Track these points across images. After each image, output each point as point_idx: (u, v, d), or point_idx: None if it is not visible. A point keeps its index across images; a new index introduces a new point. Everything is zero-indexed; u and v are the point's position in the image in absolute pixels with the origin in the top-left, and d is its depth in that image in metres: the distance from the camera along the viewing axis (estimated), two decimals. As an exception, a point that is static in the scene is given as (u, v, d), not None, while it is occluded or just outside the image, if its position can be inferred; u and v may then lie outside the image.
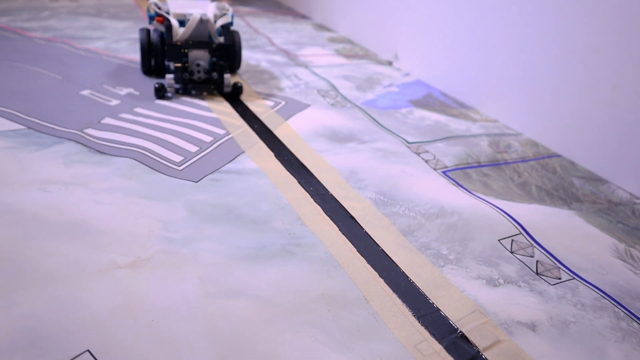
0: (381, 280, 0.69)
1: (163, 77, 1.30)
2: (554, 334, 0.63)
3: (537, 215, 0.86)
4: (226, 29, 1.23)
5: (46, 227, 0.72)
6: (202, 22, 1.18)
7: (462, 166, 1.01)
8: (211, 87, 1.21)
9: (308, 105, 1.24)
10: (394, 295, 0.66)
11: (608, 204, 0.93)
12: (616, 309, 0.68)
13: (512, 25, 1.19)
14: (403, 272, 0.71)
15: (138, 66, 1.39)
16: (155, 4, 1.26)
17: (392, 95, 1.36)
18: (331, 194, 0.88)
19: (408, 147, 1.07)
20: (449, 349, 0.59)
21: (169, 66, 1.28)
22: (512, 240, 0.79)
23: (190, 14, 1.20)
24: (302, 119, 1.16)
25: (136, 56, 1.46)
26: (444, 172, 0.98)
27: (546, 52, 1.11)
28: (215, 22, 1.22)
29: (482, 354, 0.59)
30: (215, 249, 0.72)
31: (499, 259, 0.75)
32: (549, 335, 0.62)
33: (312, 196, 0.86)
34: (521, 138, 1.16)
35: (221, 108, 1.17)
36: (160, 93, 1.17)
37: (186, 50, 1.18)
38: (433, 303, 0.66)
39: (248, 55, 1.58)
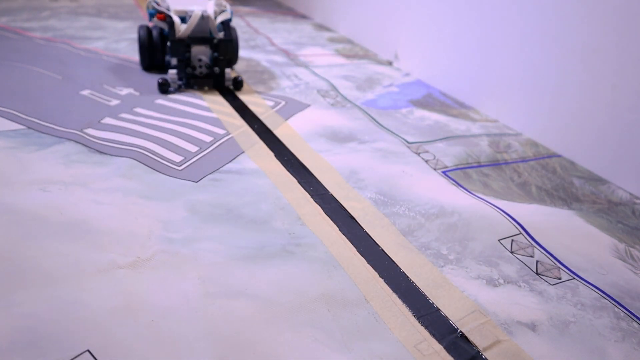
0: (381, 280, 0.69)
1: (163, 73, 1.33)
2: (554, 334, 0.63)
3: (537, 215, 0.86)
4: (226, 25, 1.26)
5: (46, 227, 0.72)
6: (204, 18, 1.21)
7: (462, 166, 1.01)
8: (213, 80, 1.25)
9: (308, 105, 1.24)
10: (394, 295, 0.66)
11: (608, 204, 0.93)
12: (616, 309, 0.68)
13: (512, 25, 1.19)
14: (403, 272, 0.71)
15: (138, 66, 1.39)
16: (155, 1, 1.28)
17: (392, 95, 1.36)
18: (331, 194, 0.88)
19: (408, 147, 1.07)
20: (449, 349, 0.59)
21: (169, 62, 1.31)
22: (512, 240, 0.79)
23: (192, 11, 1.22)
24: (302, 119, 1.16)
25: (136, 56, 1.46)
26: (444, 172, 0.98)
27: (546, 52, 1.11)
28: (215, 18, 1.24)
29: (482, 354, 0.59)
30: (215, 249, 0.72)
31: (499, 259, 0.75)
32: (549, 335, 0.62)
33: (312, 196, 0.86)
34: (521, 138, 1.16)
35: (221, 108, 1.17)
36: (164, 88, 1.21)
37: (189, 46, 1.21)
38: (433, 303, 0.66)
39: (248, 55, 1.58)
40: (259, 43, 1.73)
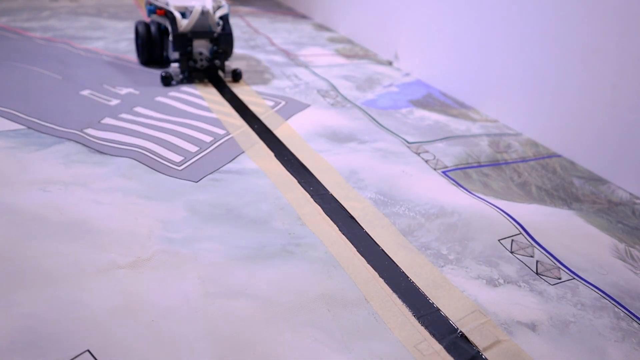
0: (381, 280, 0.69)
1: (161, 67, 1.37)
2: (554, 334, 0.63)
3: (537, 215, 0.86)
4: (225, 20, 1.31)
5: (46, 227, 0.72)
6: (204, 14, 1.26)
7: (462, 166, 1.01)
8: (213, 72, 1.31)
9: (308, 105, 1.24)
10: (394, 295, 0.66)
11: (608, 204, 0.93)
12: (616, 309, 0.68)
13: (512, 25, 1.19)
14: (403, 272, 0.71)
15: (138, 65, 1.39)
16: None
17: (392, 95, 1.36)
18: (331, 194, 0.88)
19: (408, 147, 1.07)
20: (449, 349, 0.59)
21: (168, 56, 1.36)
22: (512, 240, 0.79)
23: (192, 6, 1.27)
24: (302, 119, 1.16)
25: (137, 57, 1.46)
26: (444, 172, 0.98)
27: (546, 52, 1.11)
28: (213, 13, 1.29)
29: (482, 354, 0.59)
30: (215, 249, 0.72)
31: (499, 259, 0.75)
32: (549, 335, 0.62)
33: (312, 196, 0.86)
34: (521, 138, 1.16)
35: (221, 108, 1.17)
36: (167, 81, 1.26)
37: (191, 40, 1.26)
38: (433, 303, 0.66)
39: (248, 55, 1.58)
40: (259, 43, 1.73)
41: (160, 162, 0.92)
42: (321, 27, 2.02)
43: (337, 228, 0.79)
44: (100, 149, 0.94)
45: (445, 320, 0.63)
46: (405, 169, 0.98)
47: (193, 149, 0.98)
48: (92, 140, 0.97)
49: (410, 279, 0.69)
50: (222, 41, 1.29)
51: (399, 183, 0.93)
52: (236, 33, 1.82)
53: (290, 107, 1.22)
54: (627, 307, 0.68)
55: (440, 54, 1.43)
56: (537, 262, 0.75)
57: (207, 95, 1.23)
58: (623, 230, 0.85)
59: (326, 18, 2.05)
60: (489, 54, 1.26)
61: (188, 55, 1.27)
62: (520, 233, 0.81)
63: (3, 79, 1.21)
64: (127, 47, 1.54)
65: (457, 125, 1.20)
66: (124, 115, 1.08)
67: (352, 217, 0.82)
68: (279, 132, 1.08)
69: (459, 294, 0.67)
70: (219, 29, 1.29)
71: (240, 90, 1.28)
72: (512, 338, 0.61)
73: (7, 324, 0.56)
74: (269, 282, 0.66)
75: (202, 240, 0.73)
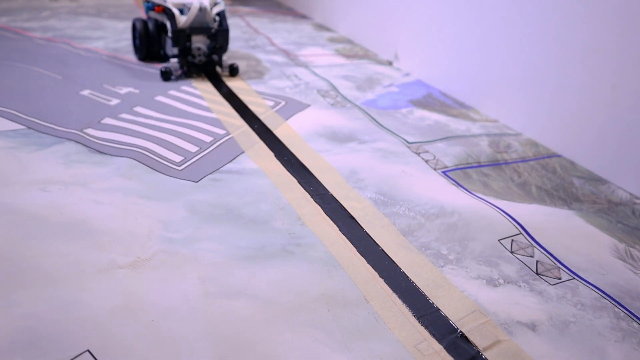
0: (381, 280, 0.69)
1: (158, 63, 1.40)
2: (554, 334, 0.63)
3: (537, 215, 0.86)
4: (221, 16, 1.34)
5: (46, 227, 0.72)
6: (201, 10, 1.29)
7: (462, 166, 1.01)
8: (211, 67, 1.35)
9: (308, 105, 1.24)
10: (394, 295, 0.66)
11: (608, 204, 0.93)
12: (616, 309, 0.68)
13: (512, 25, 1.19)
14: (403, 272, 0.71)
15: (138, 65, 1.39)
16: None
17: (392, 95, 1.36)
18: (331, 194, 0.88)
19: (408, 147, 1.07)
20: (449, 349, 0.59)
21: (165, 52, 1.39)
22: (512, 240, 0.79)
23: (190, 3, 1.30)
24: (302, 119, 1.16)
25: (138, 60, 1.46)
26: (444, 172, 0.98)
27: (546, 52, 1.11)
28: (210, 10, 1.33)
29: (482, 354, 0.59)
30: (215, 249, 0.72)
31: (499, 259, 0.75)
32: (549, 335, 0.62)
33: (312, 196, 0.86)
34: (521, 138, 1.16)
35: (221, 108, 1.17)
36: (167, 76, 1.30)
37: (189, 36, 1.30)
38: (433, 303, 0.66)
39: (248, 55, 1.58)
40: (259, 43, 1.73)
41: (160, 162, 0.92)
42: (321, 27, 2.02)
43: (337, 228, 0.79)
44: (100, 149, 0.94)
45: (445, 320, 0.63)
46: (405, 169, 0.98)
47: (193, 149, 0.98)
48: (92, 140, 0.97)
49: (410, 279, 0.69)
50: (220, 37, 1.32)
51: (399, 183, 0.93)
52: (236, 33, 1.82)
53: (290, 107, 1.22)
54: (627, 307, 0.68)
55: (440, 54, 1.43)
56: (537, 262, 0.75)
57: (207, 95, 1.23)
58: (623, 230, 0.85)
59: (326, 18, 2.05)
60: (489, 54, 1.26)
61: (187, 51, 1.31)
62: (520, 233, 0.81)
63: (3, 79, 1.21)
64: (127, 47, 1.54)
65: (457, 125, 1.20)
66: (124, 115, 1.08)
67: (352, 217, 0.82)
68: (279, 132, 1.08)
69: (459, 294, 0.67)
70: (215, 25, 1.32)
71: (236, 85, 1.28)
72: (512, 338, 0.61)
73: (7, 324, 0.56)
74: (269, 282, 0.66)
75: (202, 240, 0.73)
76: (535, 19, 1.13)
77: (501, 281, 0.71)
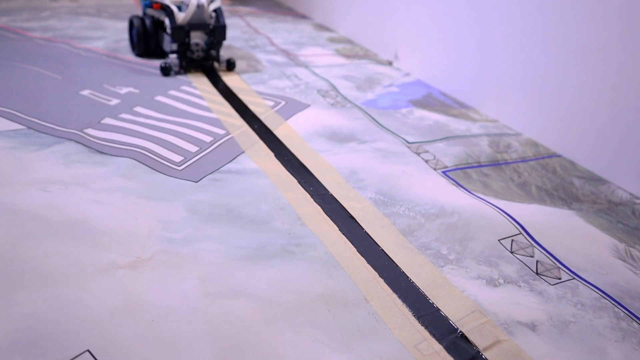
0: (381, 280, 0.69)
1: (157, 59, 1.43)
2: (554, 334, 0.63)
3: (537, 215, 0.86)
4: (218, 12, 1.38)
5: (46, 227, 0.72)
6: (199, 7, 1.33)
7: (462, 166, 1.01)
8: (209, 62, 1.39)
9: (308, 105, 1.24)
10: (394, 295, 0.66)
11: (608, 204, 0.93)
12: (616, 309, 0.68)
13: (512, 25, 1.19)
14: (403, 272, 0.71)
15: (138, 65, 1.39)
16: None
17: (392, 95, 1.36)
18: (331, 194, 0.88)
19: (408, 147, 1.07)
20: (449, 349, 0.59)
21: (164, 48, 1.42)
22: (512, 240, 0.79)
23: (188, 0, 1.34)
24: (302, 119, 1.16)
25: (137, 57, 1.46)
26: (444, 172, 0.98)
27: (546, 52, 1.11)
28: (207, 6, 1.36)
29: (482, 354, 0.59)
30: (215, 249, 0.72)
31: (499, 259, 0.75)
32: (549, 335, 0.62)
33: (312, 196, 0.86)
34: (521, 138, 1.16)
35: (221, 108, 1.17)
36: (167, 71, 1.33)
37: (188, 32, 1.34)
38: (433, 303, 0.66)
39: (248, 55, 1.58)
40: (259, 43, 1.73)
41: (160, 162, 0.92)
42: (321, 27, 2.02)
43: (337, 228, 0.79)
44: (100, 149, 0.94)
45: (445, 320, 0.63)
46: (405, 169, 0.98)
47: (193, 149, 0.98)
48: (92, 140, 0.97)
49: (410, 279, 0.69)
50: (217, 33, 1.36)
51: (399, 183, 0.93)
52: (236, 33, 1.82)
53: (290, 107, 1.22)
54: (627, 307, 0.68)
55: (440, 54, 1.43)
56: (537, 262, 0.75)
57: (207, 95, 1.23)
58: (623, 230, 0.85)
59: (326, 18, 2.05)
60: (489, 54, 1.26)
61: (185, 47, 1.34)
62: (520, 233, 0.81)
63: (3, 79, 1.21)
64: (127, 47, 1.54)
65: (457, 125, 1.20)
66: (124, 115, 1.08)
67: (352, 217, 0.82)
68: (279, 132, 1.08)
69: (459, 294, 0.67)
70: (212, 22, 1.36)
71: (237, 84, 1.28)
72: (512, 338, 0.61)
73: (7, 324, 0.56)
74: (269, 282, 0.66)
75: (202, 240, 0.73)
76: (535, 19, 1.13)
77: (501, 281, 0.71)
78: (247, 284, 0.66)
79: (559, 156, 1.10)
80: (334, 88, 1.36)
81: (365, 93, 1.35)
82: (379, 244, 0.76)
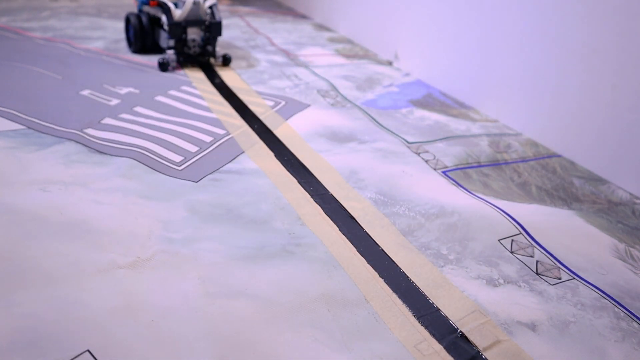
0: (381, 280, 0.69)
1: (154, 55, 1.47)
2: (554, 334, 0.63)
3: (537, 215, 0.86)
4: (214, 9, 1.41)
5: (46, 227, 0.72)
6: (195, 4, 1.36)
7: (462, 166, 1.01)
8: (205, 58, 1.43)
9: (308, 105, 1.24)
10: (394, 295, 0.66)
11: (608, 204, 0.93)
12: (616, 309, 0.68)
13: (512, 25, 1.19)
14: (403, 272, 0.71)
15: (138, 65, 1.39)
16: None
17: (392, 95, 1.36)
18: (331, 194, 0.88)
19: (408, 147, 1.07)
20: (449, 349, 0.59)
21: (160, 44, 1.45)
22: (512, 240, 0.79)
23: None
24: (302, 119, 1.16)
25: (136, 56, 1.46)
26: (444, 172, 0.98)
27: (546, 52, 1.11)
28: (203, 3, 1.39)
29: (482, 354, 0.59)
30: (215, 249, 0.72)
31: (499, 259, 0.75)
32: (549, 335, 0.62)
33: (312, 196, 0.86)
34: (521, 138, 1.16)
35: (221, 108, 1.17)
36: (165, 67, 1.37)
37: (185, 29, 1.37)
38: (433, 303, 0.66)
39: (248, 55, 1.58)
40: (259, 43, 1.73)
41: (160, 162, 0.92)
42: (321, 27, 2.02)
43: (337, 228, 0.79)
44: (100, 149, 0.94)
45: (445, 320, 0.63)
46: (405, 169, 0.98)
47: (193, 149, 0.98)
48: (92, 140, 0.97)
49: (410, 279, 0.69)
50: (213, 28, 1.40)
51: (399, 183, 0.93)
52: (236, 33, 1.82)
53: (290, 107, 1.22)
54: (627, 307, 0.68)
55: (440, 54, 1.43)
56: (537, 262, 0.75)
57: (207, 95, 1.23)
58: (623, 230, 0.85)
59: (326, 18, 2.05)
60: (489, 54, 1.26)
61: (182, 43, 1.38)
62: (520, 233, 0.81)
63: (3, 79, 1.21)
64: (127, 47, 1.54)
65: (457, 125, 1.20)
66: (124, 115, 1.08)
67: (352, 217, 0.82)
68: (279, 132, 1.08)
69: (459, 294, 0.67)
70: (208, 18, 1.39)
71: (236, 84, 1.29)
72: (512, 338, 0.61)
73: (7, 324, 0.56)
74: (269, 282, 0.66)
75: (202, 240, 0.73)
76: (535, 19, 1.13)
77: (501, 281, 0.71)
78: (247, 284, 0.66)
79: (559, 156, 1.10)
80: (334, 88, 1.36)
81: (365, 93, 1.35)
82: (379, 244, 0.76)
